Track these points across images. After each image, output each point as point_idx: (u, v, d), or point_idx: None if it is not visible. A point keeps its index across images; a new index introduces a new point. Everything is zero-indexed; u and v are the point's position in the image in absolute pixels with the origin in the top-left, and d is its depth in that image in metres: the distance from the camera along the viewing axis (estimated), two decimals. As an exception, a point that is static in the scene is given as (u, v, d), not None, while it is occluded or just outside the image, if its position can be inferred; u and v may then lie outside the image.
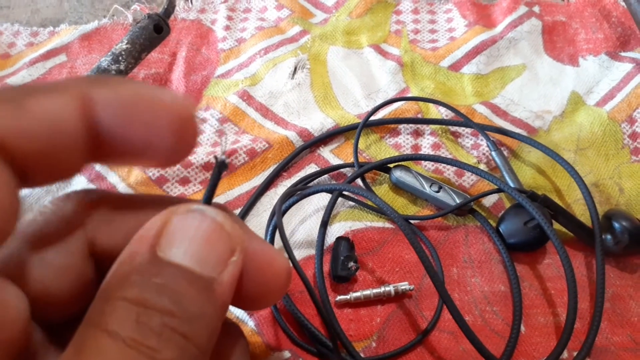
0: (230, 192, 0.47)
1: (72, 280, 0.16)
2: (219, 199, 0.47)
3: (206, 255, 0.14)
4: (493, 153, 0.48)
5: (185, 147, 0.16)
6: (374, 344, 0.39)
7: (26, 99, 0.13)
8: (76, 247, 0.16)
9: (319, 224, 0.44)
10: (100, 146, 0.15)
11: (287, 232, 0.45)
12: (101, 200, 0.17)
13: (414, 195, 0.47)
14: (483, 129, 0.49)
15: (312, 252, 0.44)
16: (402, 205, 0.47)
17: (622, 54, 0.58)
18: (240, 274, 0.16)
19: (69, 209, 0.17)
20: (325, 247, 0.44)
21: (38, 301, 0.15)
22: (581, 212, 0.46)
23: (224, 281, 0.15)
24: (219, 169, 0.16)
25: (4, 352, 0.13)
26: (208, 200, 0.17)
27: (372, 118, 0.51)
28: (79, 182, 0.47)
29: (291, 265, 0.18)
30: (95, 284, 0.17)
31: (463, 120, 0.50)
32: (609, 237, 0.43)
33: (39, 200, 0.46)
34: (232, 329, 0.19)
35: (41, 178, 0.14)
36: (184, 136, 0.15)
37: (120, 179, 0.48)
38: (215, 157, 0.16)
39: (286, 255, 0.19)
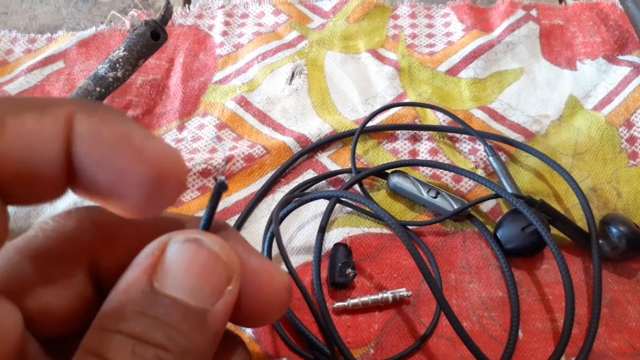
0: (228, 199, 0.47)
1: (71, 298, 0.16)
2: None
3: (200, 287, 0.15)
4: (490, 158, 0.48)
5: (162, 202, 0.15)
6: (372, 351, 0.39)
7: (8, 117, 0.13)
8: (76, 265, 0.17)
9: (317, 230, 0.44)
10: (76, 177, 0.15)
11: (285, 239, 0.45)
12: (103, 219, 0.17)
13: (411, 201, 0.47)
14: (482, 136, 0.49)
15: (310, 258, 0.44)
16: (399, 211, 0.47)
17: (620, 57, 0.58)
18: (235, 300, 0.16)
19: (71, 227, 0.17)
20: (323, 254, 0.44)
21: (36, 316, 0.15)
22: (579, 217, 0.46)
23: (218, 311, 0.15)
24: (219, 191, 0.16)
25: None
26: (207, 223, 0.17)
27: (370, 124, 0.51)
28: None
29: (291, 280, 0.18)
30: (94, 303, 0.17)
31: (462, 127, 0.50)
32: (606, 242, 0.43)
33: (28, 215, 0.46)
34: (232, 339, 0.19)
35: (20, 199, 0.14)
36: (162, 192, 0.15)
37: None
38: (215, 178, 0.16)
39: (285, 268, 0.18)
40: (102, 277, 0.17)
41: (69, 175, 0.14)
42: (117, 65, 0.49)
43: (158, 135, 0.17)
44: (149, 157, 0.14)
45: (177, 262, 0.15)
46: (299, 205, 0.45)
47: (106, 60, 0.50)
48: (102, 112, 0.14)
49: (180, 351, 0.14)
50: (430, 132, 0.52)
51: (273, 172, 0.49)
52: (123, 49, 0.50)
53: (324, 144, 0.50)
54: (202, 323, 0.14)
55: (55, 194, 0.15)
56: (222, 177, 0.16)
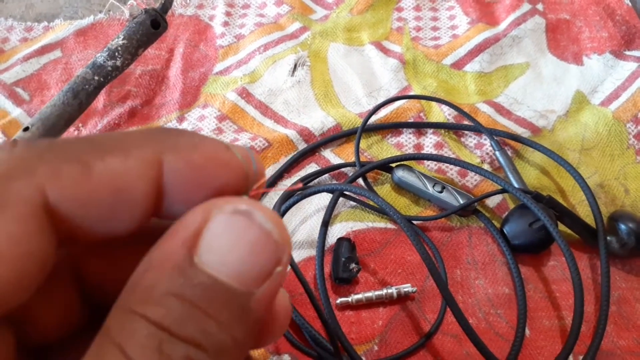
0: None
1: (56, 304, 0.15)
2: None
3: (247, 268, 0.13)
4: (497, 153, 0.47)
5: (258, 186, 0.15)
6: (376, 348, 0.39)
7: (93, 160, 0.12)
8: (61, 269, 0.15)
9: (320, 224, 0.43)
10: (159, 208, 0.14)
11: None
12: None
13: (416, 196, 0.46)
14: (491, 133, 0.48)
15: (313, 253, 0.43)
16: (404, 205, 0.46)
17: (627, 52, 0.57)
18: (282, 283, 0.14)
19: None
20: (326, 248, 0.43)
21: (21, 326, 0.14)
22: (586, 214, 0.46)
23: (263, 296, 0.13)
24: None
25: None
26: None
27: (374, 117, 0.50)
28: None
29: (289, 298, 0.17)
30: (79, 308, 0.16)
31: (468, 123, 0.49)
32: (614, 239, 0.42)
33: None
34: None
35: (89, 239, 0.13)
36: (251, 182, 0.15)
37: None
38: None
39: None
40: (87, 278, 0.16)
41: (150, 212, 0.14)
42: (116, 53, 0.48)
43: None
44: (237, 166, 0.14)
45: (222, 237, 0.13)
46: (301, 199, 0.44)
47: (105, 49, 0.49)
48: (188, 140, 0.14)
49: (216, 349, 0.12)
50: (434, 128, 0.51)
51: (275, 165, 0.48)
52: (122, 37, 0.49)
53: (330, 141, 0.49)
54: (244, 310, 0.13)
55: (134, 228, 0.14)
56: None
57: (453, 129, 0.50)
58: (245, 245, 0.13)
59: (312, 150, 0.49)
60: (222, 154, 0.14)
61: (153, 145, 0.13)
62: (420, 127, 0.51)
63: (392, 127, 0.50)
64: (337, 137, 0.49)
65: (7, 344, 0.13)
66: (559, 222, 0.43)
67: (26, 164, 0.12)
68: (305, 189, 0.42)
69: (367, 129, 0.50)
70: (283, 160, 0.48)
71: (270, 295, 0.13)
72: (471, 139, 0.50)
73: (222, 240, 0.13)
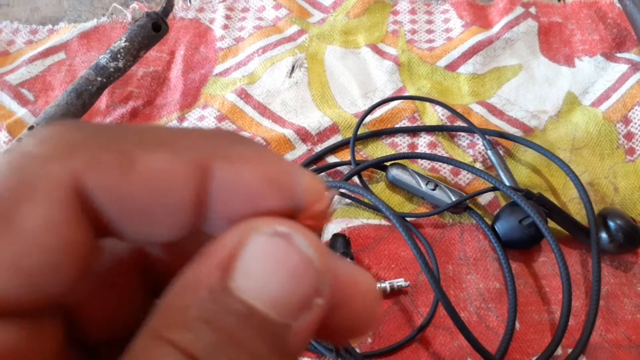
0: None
1: (119, 298, 0.14)
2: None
3: (286, 297, 0.11)
4: (489, 152, 0.48)
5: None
6: (369, 340, 0.40)
7: (137, 153, 0.11)
8: (131, 267, 0.14)
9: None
10: (201, 221, 0.13)
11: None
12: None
13: (410, 193, 0.48)
14: (484, 133, 0.49)
15: (309, 248, 0.44)
16: (398, 203, 0.47)
17: (618, 55, 0.58)
18: (323, 316, 0.12)
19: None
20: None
21: (78, 319, 0.13)
22: (576, 211, 0.47)
23: (302, 329, 0.12)
24: None
25: None
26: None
27: (369, 117, 0.51)
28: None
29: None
30: (146, 304, 0.15)
31: (460, 124, 0.50)
32: (603, 235, 0.43)
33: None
34: None
35: (137, 237, 0.13)
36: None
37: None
38: None
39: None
40: (158, 275, 0.15)
41: (196, 222, 0.13)
42: (119, 55, 0.50)
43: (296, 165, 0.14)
44: (298, 195, 0.12)
45: (260, 261, 0.11)
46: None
47: (107, 51, 0.50)
48: (242, 149, 0.12)
49: None
50: (426, 131, 0.52)
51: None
52: (124, 39, 0.50)
53: (334, 149, 0.50)
54: (280, 343, 0.11)
55: (176, 235, 0.13)
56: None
57: (446, 130, 0.52)
58: (283, 272, 0.12)
59: (318, 158, 0.50)
60: (280, 176, 0.12)
61: (205, 148, 0.12)
62: (414, 130, 0.52)
63: (386, 133, 0.51)
64: (338, 145, 0.50)
65: (54, 337, 0.12)
66: (548, 219, 0.44)
67: (64, 146, 0.11)
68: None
69: (362, 136, 0.51)
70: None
71: (309, 328, 0.12)
72: (464, 139, 0.51)
73: (259, 264, 0.12)
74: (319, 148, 0.51)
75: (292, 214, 0.12)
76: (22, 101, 0.55)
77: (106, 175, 0.11)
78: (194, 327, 0.11)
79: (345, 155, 0.50)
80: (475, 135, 0.51)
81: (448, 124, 0.52)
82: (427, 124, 0.52)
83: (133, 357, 0.11)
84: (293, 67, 0.57)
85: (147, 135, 0.12)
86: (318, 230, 0.13)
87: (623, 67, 0.57)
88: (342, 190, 0.46)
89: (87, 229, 0.11)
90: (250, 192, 0.12)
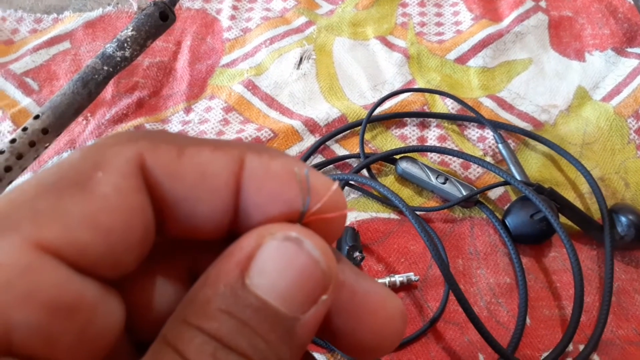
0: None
1: (169, 302, 0.15)
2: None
3: (294, 293, 0.13)
4: (500, 145, 0.48)
5: (328, 235, 0.15)
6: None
7: (187, 145, 0.14)
8: (179, 271, 0.16)
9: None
10: (236, 213, 0.15)
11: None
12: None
13: (419, 187, 0.47)
14: (495, 126, 0.49)
15: (317, 241, 0.43)
16: (407, 196, 0.47)
17: (629, 49, 0.58)
18: (327, 310, 0.14)
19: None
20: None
21: (131, 318, 0.15)
22: (587, 207, 0.46)
23: (308, 321, 0.14)
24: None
25: (95, 358, 0.13)
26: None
27: (379, 109, 0.51)
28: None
29: (404, 307, 0.17)
30: None
31: (471, 115, 0.50)
32: (614, 231, 0.42)
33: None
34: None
35: (177, 229, 0.14)
36: (326, 224, 0.15)
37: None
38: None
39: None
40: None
41: (234, 216, 0.14)
42: (125, 44, 0.49)
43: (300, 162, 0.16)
44: (316, 190, 0.14)
45: (273, 262, 0.13)
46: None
47: (114, 39, 0.49)
48: (270, 151, 0.15)
49: None
50: (438, 119, 0.52)
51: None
52: (131, 28, 0.50)
53: (337, 133, 0.50)
54: (290, 333, 0.13)
55: (214, 231, 0.15)
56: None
57: (457, 119, 0.51)
58: (293, 271, 0.13)
59: (322, 144, 0.49)
60: (298, 169, 0.14)
61: (239, 147, 0.14)
62: (424, 116, 0.51)
63: (397, 117, 0.51)
64: (343, 129, 0.50)
65: (119, 316, 0.14)
66: (559, 214, 0.43)
67: (129, 138, 0.14)
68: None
69: (373, 120, 0.50)
70: (289, 150, 0.49)
71: (315, 321, 0.14)
72: (474, 132, 0.51)
73: (273, 265, 0.13)
74: (327, 141, 0.50)
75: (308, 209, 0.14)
76: (27, 90, 0.54)
77: (162, 157, 0.13)
78: (217, 316, 0.13)
79: (353, 145, 0.50)
80: (486, 128, 0.51)
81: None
82: (438, 119, 0.52)
83: (165, 340, 0.13)
84: (301, 59, 0.56)
85: (193, 139, 0.14)
86: (340, 222, 0.15)
87: (634, 62, 0.56)
88: (352, 183, 0.46)
89: (149, 203, 0.14)
90: (275, 181, 0.14)
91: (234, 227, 0.15)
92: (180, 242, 0.16)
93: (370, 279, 0.16)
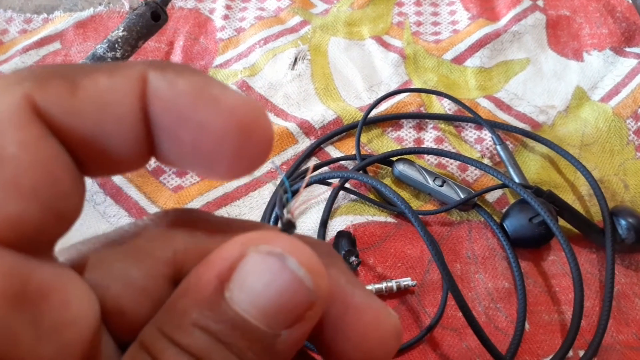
0: (228, 185, 0.46)
1: (147, 301, 0.14)
2: (216, 192, 0.46)
3: (276, 310, 0.13)
4: (498, 147, 0.47)
5: (252, 160, 0.13)
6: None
7: (80, 77, 0.12)
8: (159, 269, 0.15)
9: (320, 218, 0.43)
10: (155, 143, 0.13)
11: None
12: (194, 222, 0.15)
13: (416, 190, 0.46)
14: (492, 126, 0.48)
15: (313, 246, 0.43)
16: (404, 199, 0.46)
17: (627, 49, 0.57)
18: (313, 326, 0.13)
19: (164, 226, 0.15)
20: (322, 240, 0.43)
21: (107, 315, 0.14)
22: (586, 209, 0.46)
23: (291, 338, 0.13)
24: (287, 232, 0.14)
25: (66, 354, 0.12)
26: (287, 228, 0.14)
27: (375, 111, 0.50)
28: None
29: (400, 323, 0.15)
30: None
31: (468, 115, 0.49)
32: (614, 234, 0.42)
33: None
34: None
35: (97, 167, 0.13)
36: (249, 145, 0.13)
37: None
38: (281, 216, 0.14)
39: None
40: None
41: (148, 141, 0.13)
42: (116, 45, 0.48)
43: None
44: (228, 106, 0.13)
45: (254, 277, 0.13)
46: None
47: (105, 40, 0.48)
48: (175, 67, 0.13)
49: None
50: (435, 120, 0.51)
51: (277, 157, 0.48)
52: (122, 29, 0.49)
53: (332, 136, 0.49)
54: (269, 350, 0.13)
55: (135, 161, 0.13)
56: (289, 215, 0.14)
57: (454, 120, 0.50)
58: (275, 289, 0.13)
59: (317, 147, 0.49)
60: (210, 89, 0.13)
61: (139, 65, 0.13)
62: (421, 118, 0.51)
63: (393, 119, 0.50)
64: (339, 131, 0.49)
65: (85, 307, 0.13)
66: (559, 217, 0.43)
67: (10, 79, 0.12)
68: (312, 176, 0.42)
69: (369, 122, 0.49)
70: (283, 153, 0.48)
71: (298, 337, 0.13)
72: (471, 134, 0.50)
73: (254, 280, 0.13)
74: (323, 143, 0.49)
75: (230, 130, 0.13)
76: (16, 92, 0.53)
77: (54, 95, 0.12)
78: (191, 331, 0.12)
79: (348, 148, 0.49)
80: (483, 130, 0.50)
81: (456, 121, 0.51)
82: (435, 119, 0.51)
83: (142, 344, 0.12)
84: (296, 59, 0.55)
85: (89, 66, 0.13)
86: (258, 151, 0.13)
87: (632, 62, 0.56)
88: (347, 186, 0.45)
89: (59, 145, 0.12)
90: (184, 99, 0.13)
91: (157, 154, 0.14)
92: (162, 236, 0.15)
93: (366, 289, 0.15)
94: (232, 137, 0.13)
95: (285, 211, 0.14)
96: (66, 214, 0.12)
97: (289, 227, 0.14)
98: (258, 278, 0.12)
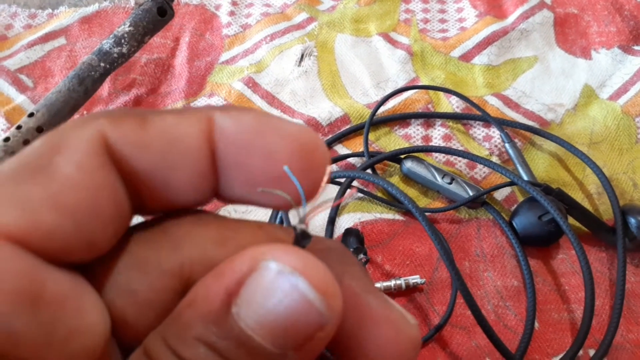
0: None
1: (152, 312, 0.14)
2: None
3: (284, 330, 0.12)
4: (507, 145, 0.47)
5: (313, 180, 0.13)
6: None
7: (151, 115, 0.13)
8: (165, 281, 0.14)
9: (327, 215, 0.43)
10: (221, 178, 0.14)
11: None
12: (202, 225, 0.15)
13: (424, 187, 0.46)
14: (500, 123, 0.48)
15: (321, 243, 0.42)
16: (412, 197, 0.46)
17: (635, 47, 0.57)
18: (325, 345, 0.13)
19: (167, 235, 0.15)
20: (333, 239, 0.42)
21: (112, 323, 0.14)
22: (595, 207, 0.45)
23: (300, 357, 0.12)
24: (302, 245, 0.13)
25: None
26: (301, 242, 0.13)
27: (382, 108, 0.50)
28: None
29: (419, 333, 0.15)
30: None
31: (476, 113, 0.49)
32: (624, 232, 0.41)
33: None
34: None
35: (160, 202, 0.14)
36: (310, 167, 0.13)
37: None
38: (294, 227, 0.13)
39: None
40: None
41: (213, 178, 0.14)
42: (123, 40, 0.48)
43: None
44: (290, 132, 0.13)
45: (263, 294, 0.12)
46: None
47: (111, 36, 0.48)
48: (237, 107, 0.14)
49: None
50: (443, 118, 0.50)
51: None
52: (129, 24, 0.48)
53: (342, 136, 0.49)
54: None
55: (198, 197, 0.14)
56: (302, 226, 0.13)
57: (462, 119, 0.50)
58: (284, 310, 0.12)
59: (328, 146, 0.48)
60: (271, 120, 0.13)
61: (205, 108, 0.14)
62: (429, 117, 0.50)
63: (401, 118, 0.50)
64: (347, 132, 0.49)
65: (95, 317, 0.13)
66: (568, 216, 0.42)
67: (87, 118, 0.13)
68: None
69: (376, 122, 0.49)
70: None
71: (307, 357, 0.13)
72: (479, 131, 0.50)
73: (262, 297, 0.12)
74: (329, 138, 0.49)
75: (295, 158, 0.13)
76: (21, 87, 0.53)
77: (125, 130, 0.13)
78: (194, 345, 0.12)
79: (356, 145, 0.49)
80: (492, 127, 0.50)
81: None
82: (443, 118, 0.50)
83: (146, 352, 0.12)
84: (302, 56, 0.55)
85: (158, 109, 0.14)
86: (319, 173, 0.14)
87: (641, 60, 0.55)
88: (355, 184, 0.45)
89: (117, 178, 0.13)
90: (249, 132, 0.13)
91: (220, 191, 0.14)
92: (169, 242, 0.14)
93: (382, 296, 0.14)
94: (297, 159, 0.13)
95: (298, 222, 0.13)
96: (97, 243, 0.12)
97: (303, 238, 0.13)
98: (267, 296, 0.12)
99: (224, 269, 0.13)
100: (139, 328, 0.14)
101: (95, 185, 0.12)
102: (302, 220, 0.13)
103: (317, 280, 0.12)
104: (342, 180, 0.43)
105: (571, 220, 0.43)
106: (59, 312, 0.11)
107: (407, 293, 0.40)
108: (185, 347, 0.12)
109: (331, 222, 0.43)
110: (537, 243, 0.43)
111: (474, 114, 0.50)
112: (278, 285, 0.12)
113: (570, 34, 0.59)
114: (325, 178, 0.14)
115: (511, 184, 0.43)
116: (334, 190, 0.45)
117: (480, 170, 0.47)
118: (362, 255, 0.40)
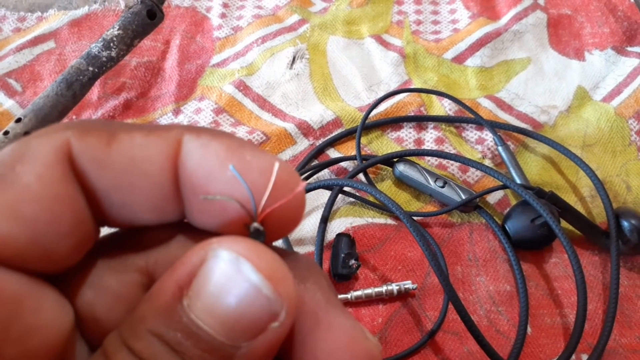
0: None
1: (120, 308, 0.14)
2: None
3: (235, 321, 0.12)
4: (500, 148, 0.46)
5: (289, 217, 0.13)
6: (376, 345, 0.38)
7: (119, 131, 0.13)
8: (133, 277, 0.15)
9: (319, 219, 0.42)
10: (185, 203, 0.14)
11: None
12: (170, 228, 0.15)
13: (417, 191, 0.46)
14: (493, 126, 0.48)
15: (312, 249, 0.42)
16: (405, 201, 0.45)
17: (629, 48, 0.57)
18: (282, 338, 0.13)
19: (138, 234, 0.15)
20: (325, 244, 0.42)
21: (81, 321, 0.14)
22: (588, 210, 0.45)
23: (253, 351, 0.12)
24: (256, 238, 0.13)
25: (32, 357, 0.12)
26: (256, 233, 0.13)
27: (375, 110, 0.49)
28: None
29: (380, 350, 0.14)
30: None
31: (469, 116, 0.49)
32: (621, 235, 0.41)
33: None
34: None
35: (121, 219, 0.14)
36: (284, 205, 0.13)
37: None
38: (247, 226, 0.13)
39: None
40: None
41: (177, 203, 0.14)
42: (112, 44, 0.47)
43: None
44: (259, 168, 0.13)
45: (212, 284, 0.12)
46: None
47: (100, 39, 0.47)
48: (211, 132, 0.14)
49: None
50: (436, 122, 0.50)
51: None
52: (118, 27, 0.48)
53: (335, 140, 0.48)
54: None
55: (163, 218, 0.14)
56: (256, 224, 0.13)
57: (455, 122, 0.50)
58: (232, 298, 0.12)
59: (320, 152, 0.48)
60: (242, 152, 0.13)
61: (176, 129, 0.13)
62: (421, 120, 0.50)
63: (393, 122, 0.49)
64: (339, 136, 0.48)
65: (56, 316, 0.13)
66: (561, 219, 0.42)
67: (55, 128, 0.13)
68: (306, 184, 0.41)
69: (368, 126, 0.49)
70: (282, 154, 0.47)
71: (262, 351, 0.12)
72: (472, 134, 0.50)
73: (211, 287, 0.12)
74: (321, 143, 0.49)
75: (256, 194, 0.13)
76: (9, 92, 0.52)
77: (90, 144, 0.13)
78: (145, 338, 0.12)
79: (348, 149, 0.48)
80: (484, 130, 0.49)
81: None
82: (436, 122, 0.50)
83: (104, 351, 0.12)
84: (294, 58, 0.55)
85: (127, 125, 0.13)
86: (298, 203, 0.13)
87: (634, 62, 0.55)
88: (346, 189, 0.44)
89: (78, 192, 0.13)
90: (214, 161, 0.13)
91: (187, 214, 0.14)
92: (137, 244, 0.15)
93: (344, 310, 0.14)
94: (268, 193, 0.13)
95: (251, 220, 0.13)
96: (56, 253, 0.12)
97: (257, 236, 0.13)
98: (216, 285, 0.12)
99: (178, 263, 0.13)
100: (108, 325, 0.14)
101: (54, 196, 0.12)
102: (255, 219, 0.13)
103: (262, 264, 0.12)
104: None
105: (564, 223, 0.42)
106: (15, 311, 0.12)
107: (399, 298, 0.40)
108: (137, 340, 0.12)
109: (324, 221, 0.42)
110: (530, 247, 0.42)
111: (466, 117, 0.49)
112: (225, 273, 0.12)
113: (563, 35, 0.59)
114: (302, 212, 0.14)
115: (504, 187, 0.43)
116: (324, 194, 0.45)
117: (473, 174, 0.47)
118: (353, 261, 0.40)
